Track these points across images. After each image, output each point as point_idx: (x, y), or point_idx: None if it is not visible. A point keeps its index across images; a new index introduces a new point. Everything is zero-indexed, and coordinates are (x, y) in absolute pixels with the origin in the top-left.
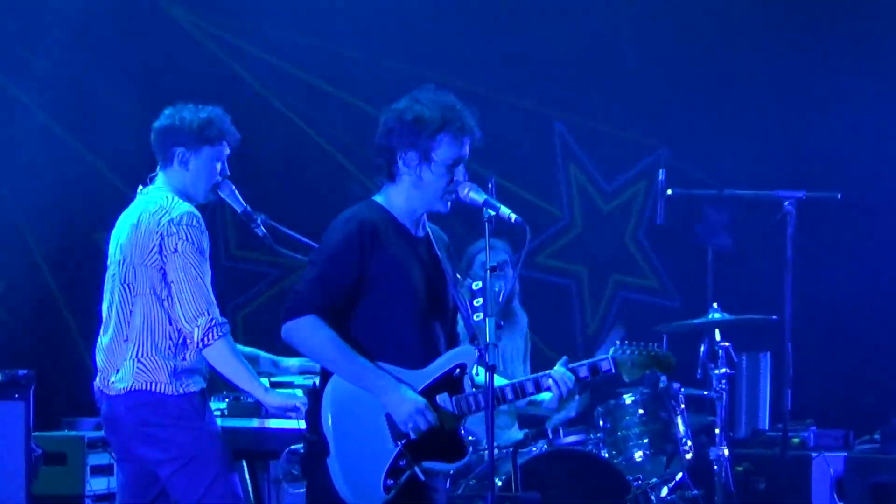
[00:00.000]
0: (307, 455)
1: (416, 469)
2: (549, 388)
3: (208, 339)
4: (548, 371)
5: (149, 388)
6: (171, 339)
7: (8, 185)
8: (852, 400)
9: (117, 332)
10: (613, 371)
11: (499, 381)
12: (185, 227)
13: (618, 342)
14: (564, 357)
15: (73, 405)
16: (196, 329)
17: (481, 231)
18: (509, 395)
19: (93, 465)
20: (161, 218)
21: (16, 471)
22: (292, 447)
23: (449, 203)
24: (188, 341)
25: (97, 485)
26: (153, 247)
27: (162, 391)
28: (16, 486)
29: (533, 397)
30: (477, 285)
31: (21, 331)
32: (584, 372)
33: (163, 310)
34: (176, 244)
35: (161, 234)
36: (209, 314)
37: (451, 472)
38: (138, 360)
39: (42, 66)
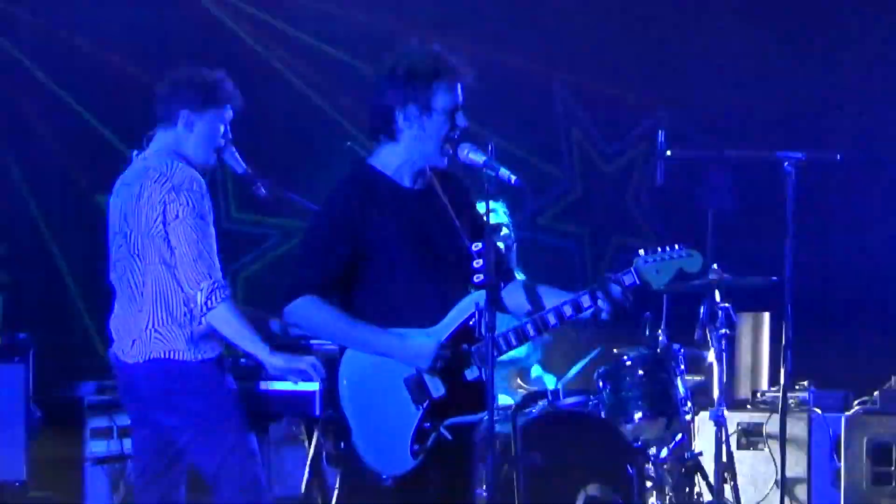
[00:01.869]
0: (335, 431)
1: (442, 429)
2: (590, 307)
3: (211, 303)
4: (567, 299)
5: (167, 356)
6: (185, 305)
7: (7, 147)
8: (851, 361)
9: (131, 302)
10: (638, 283)
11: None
12: (185, 192)
13: (641, 251)
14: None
15: (73, 368)
16: (199, 293)
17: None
18: (531, 332)
19: (92, 427)
20: (163, 186)
21: (16, 433)
22: (327, 411)
23: (446, 158)
24: (192, 306)
25: (97, 447)
26: (157, 216)
27: (180, 358)
28: (15, 448)
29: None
30: (476, 246)
31: (21, 294)
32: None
33: (173, 278)
34: (177, 211)
35: (164, 202)
36: (211, 277)
37: (479, 423)
38: (155, 330)
39: (38, 26)
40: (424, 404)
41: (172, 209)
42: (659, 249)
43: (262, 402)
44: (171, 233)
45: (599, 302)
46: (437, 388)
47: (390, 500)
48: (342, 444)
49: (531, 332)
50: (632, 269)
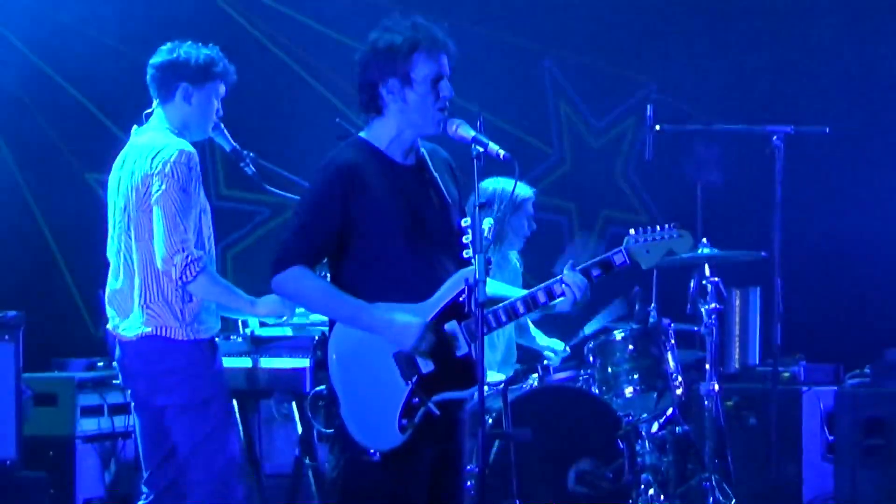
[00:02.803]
0: (327, 404)
1: (430, 405)
2: (562, 294)
3: (187, 276)
4: (558, 276)
5: (160, 332)
6: (171, 284)
7: None
8: (842, 334)
9: (126, 278)
10: (628, 263)
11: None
12: (172, 163)
13: (631, 231)
14: (570, 261)
15: (64, 346)
16: (173, 268)
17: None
18: (521, 309)
19: (83, 405)
20: (153, 161)
21: (6, 412)
22: (318, 389)
23: (441, 124)
24: (170, 280)
25: (87, 425)
26: (145, 191)
27: (173, 336)
28: (6, 426)
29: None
30: (465, 222)
31: (11, 272)
32: (595, 271)
33: None
34: (160, 183)
35: (151, 175)
36: (184, 251)
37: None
38: (147, 306)
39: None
40: (413, 379)
41: (156, 182)
42: (649, 229)
43: (253, 380)
44: (154, 203)
45: (566, 292)
46: (426, 363)
47: (379, 476)
48: (330, 419)
49: (521, 310)
50: (622, 248)
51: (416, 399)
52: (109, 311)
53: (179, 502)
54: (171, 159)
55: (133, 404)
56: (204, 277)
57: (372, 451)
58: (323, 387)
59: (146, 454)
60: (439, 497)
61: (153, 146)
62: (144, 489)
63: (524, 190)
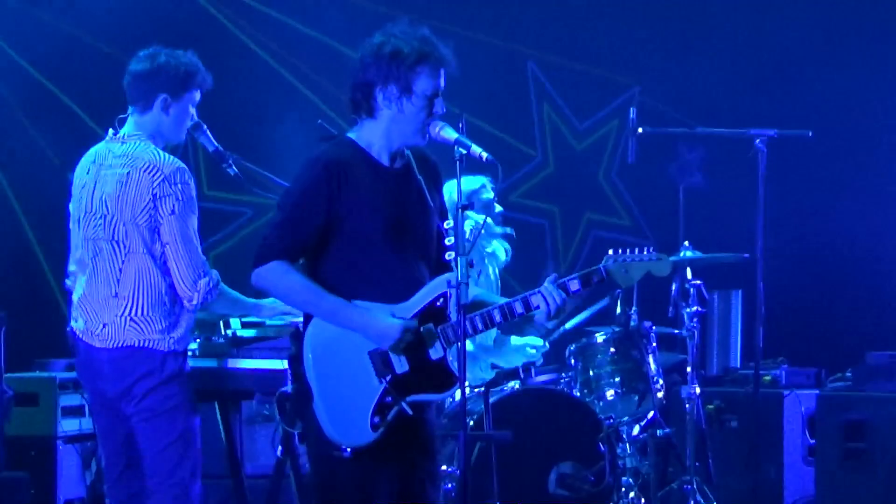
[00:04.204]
0: (295, 398)
1: (403, 404)
2: (538, 307)
3: (209, 298)
4: (537, 289)
5: (140, 344)
6: (166, 294)
7: None
8: (824, 338)
9: (105, 286)
10: (606, 279)
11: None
12: (179, 185)
13: (610, 251)
14: (554, 274)
15: (45, 346)
16: (196, 294)
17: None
18: (497, 318)
19: (64, 405)
20: (154, 176)
21: None
22: (282, 388)
23: (427, 135)
24: (185, 302)
25: (68, 426)
26: (146, 206)
27: (153, 346)
28: None
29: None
30: (448, 224)
31: None
32: (575, 285)
33: (157, 268)
34: (172, 206)
35: (154, 195)
36: (205, 274)
37: (441, 401)
38: (131, 319)
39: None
40: (387, 378)
41: (167, 204)
42: (629, 250)
43: (234, 380)
44: (165, 227)
45: (542, 304)
46: (401, 364)
47: (350, 472)
48: (294, 417)
49: (497, 318)
50: (601, 266)
51: (389, 398)
52: (78, 317)
53: None
54: (177, 180)
55: (91, 405)
56: (220, 297)
57: (344, 447)
58: (288, 387)
59: (108, 460)
60: (409, 494)
61: (149, 161)
62: (107, 501)
63: (475, 183)
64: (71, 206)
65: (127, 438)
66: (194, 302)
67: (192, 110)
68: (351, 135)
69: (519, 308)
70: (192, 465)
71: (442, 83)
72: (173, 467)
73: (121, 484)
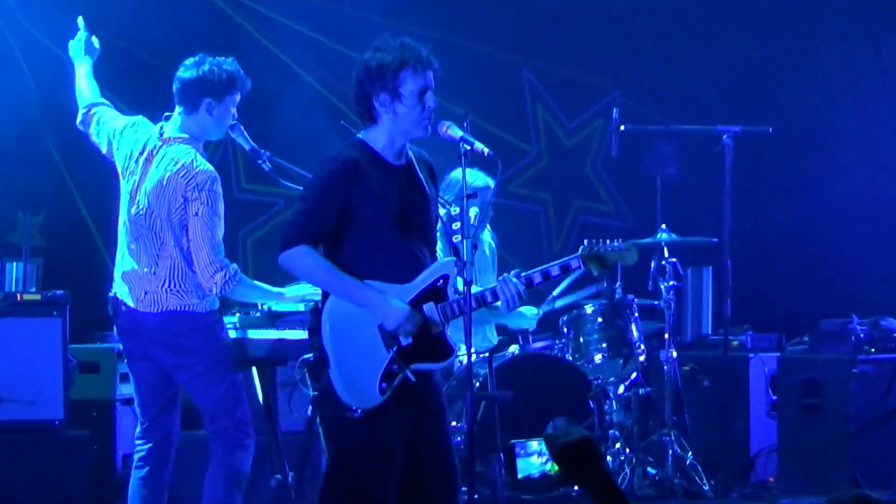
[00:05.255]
0: (313, 365)
1: (407, 372)
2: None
3: (227, 289)
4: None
5: (182, 309)
6: (193, 278)
7: (46, 130)
8: (784, 307)
9: (147, 265)
10: (582, 268)
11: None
12: (206, 192)
13: (585, 241)
14: (517, 270)
15: (105, 320)
16: (214, 285)
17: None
18: (472, 304)
19: (122, 372)
20: (187, 182)
21: (55, 378)
22: (304, 356)
23: (428, 128)
24: (207, 291)
25: (126, 390)
26: (178, 206)
27: (192, 310)
28: (55, 391)
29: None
30: (455, 210)
31: (58, 255)
32: (555, 271)
33: (185, 260)
34: (197, 209)
35: (186, 198)
36: (222, 268)
37: (441, 369)
38: (170, 290)
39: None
40: (393, 349)
41: (194, 206)
42: (601, 241)
43: (271, 349)
44: (191, 226)
45: (499, 294)
46: (405, 337)
47: (360, 430)
48: (314, 381)
49: (473, 305)
50: (577, 255)
51: (395, 366)
52: (122, 286)
53: (170, 451)
54: (206, 187)
55: (129, 357)
56: (240, 286)
57: (354, 408)
58: (310, 354)
59: (145, 404)
60: (421, 451)
61: (185, 166)
62: (139, 441)
63: (480, 179)
64: (116, 154)
65: (164, 386)
66: (214, 292)
67: (233, 111)
68: (361, 136)
69: (489, 297)
70: (243, 412)
71: (428, 79)
72: (232, 409)
73: (156, 424)
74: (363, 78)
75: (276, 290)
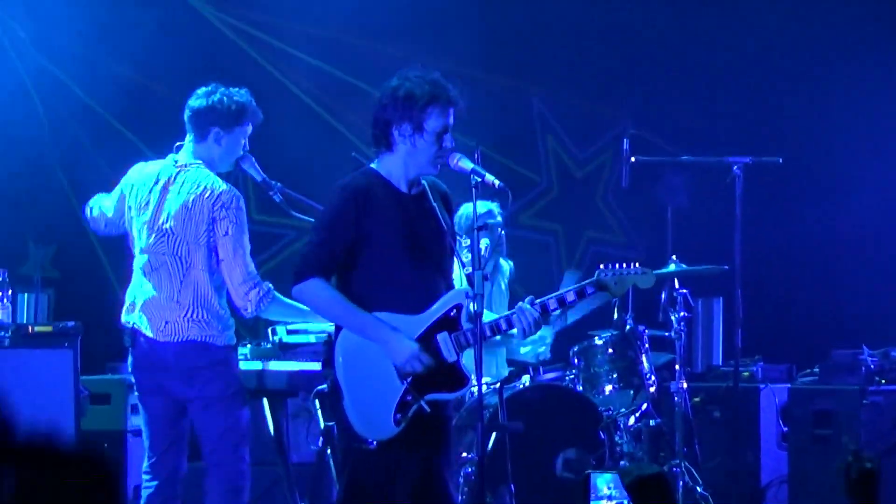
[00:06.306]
0: (326, 396)
1: (422, 402)
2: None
3: (262, 307)
4: (516, 308)
5: (202, 340)
6: (219, 305)
7: (56, 161)
8: (794, 338)
9: (167, 293)
10: (597, 291)
11: (488, 316)
12: (233, 210)
13: (601, 265)
14: (531, 297)
15: (116, 352)
16: (249, 303)
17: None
18: (487, 332)
19: (133, 403)
20: (213, 204)
21: (67, 409)
22: (318, 387)
23: (438, 166)
24: (242, 311)
25: (137, 421)
26: (205, 228)
27: (212, 342)
28: (67, 422)
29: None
30: (466, 242)
31: (69, 287)
32: (571, 296)
33: (211, 283)
34: (227, 228)
35: (213, 218)
36: (255, 286)
37: (455, 399)
38: (192, 319)
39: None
40: (408, 380)
41: (222, 226)
42: (618, 265)
43: (280, 380)
44: (221, 246)
45: (515, 322)
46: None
47: (375, 461)
48: (329, 413)
49: (487, 333)
50: (594, 280)
51: (409, 397)
52: (140, 317)
53: (176, 488)
54: (232, 206)
55: (142, 390)
56: (274, 304)
57: (370, 440)
58: (325, 385)
59: (154, 439)
60: (430, 481)
61: (209, 188)
62: (146, 476)
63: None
64: (128, 201)
65: (175, 421)
66: (249, 310)
67: (244, 141)
68: (373, 165)
69: (504, 325)
70: (245, 448)
71: (451, 120)
72: (233, 447)
73: (164, 460)
74: (387, 104)
75: (307, 308)
